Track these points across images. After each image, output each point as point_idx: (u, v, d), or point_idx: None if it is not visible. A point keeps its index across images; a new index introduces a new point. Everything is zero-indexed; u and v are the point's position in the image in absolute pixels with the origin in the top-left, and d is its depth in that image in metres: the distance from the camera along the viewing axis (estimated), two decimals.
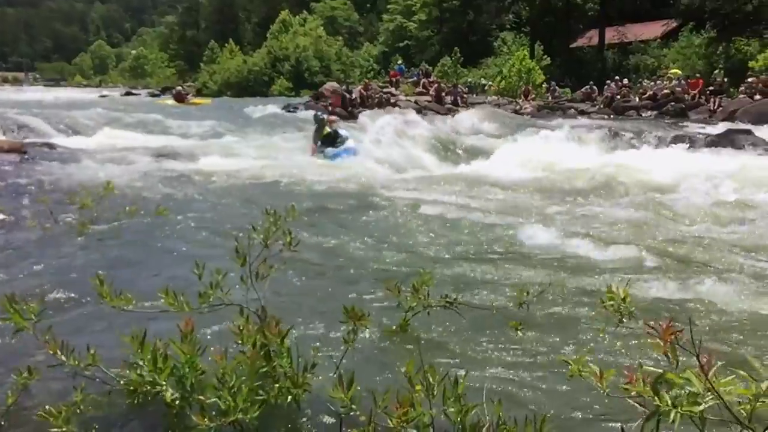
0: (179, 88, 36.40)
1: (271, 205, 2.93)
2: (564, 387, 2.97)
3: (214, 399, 2.09)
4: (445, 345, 3.47)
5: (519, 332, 3.31)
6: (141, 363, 2.27)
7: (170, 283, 2.74)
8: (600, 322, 3.66)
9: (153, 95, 49.94)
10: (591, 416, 2.70)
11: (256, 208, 6.63)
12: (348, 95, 26.03)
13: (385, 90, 29.41)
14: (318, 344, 2.99)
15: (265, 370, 2.26)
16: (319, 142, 13.33)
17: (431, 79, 32.57)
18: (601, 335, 3.53)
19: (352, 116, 23.67)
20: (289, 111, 25.83)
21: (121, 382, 2.35)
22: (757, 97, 23.80)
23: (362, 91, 26.62)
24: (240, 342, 2.32)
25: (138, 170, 9.77)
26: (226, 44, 63.27)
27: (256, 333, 2.28)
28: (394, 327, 3.47)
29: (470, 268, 5.11)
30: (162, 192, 8.31)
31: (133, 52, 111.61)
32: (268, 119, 21.17)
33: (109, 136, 15.14)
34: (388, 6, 57.14)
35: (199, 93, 44.59)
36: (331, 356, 2.88)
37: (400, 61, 41.22)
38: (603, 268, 5.19)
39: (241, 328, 2.33)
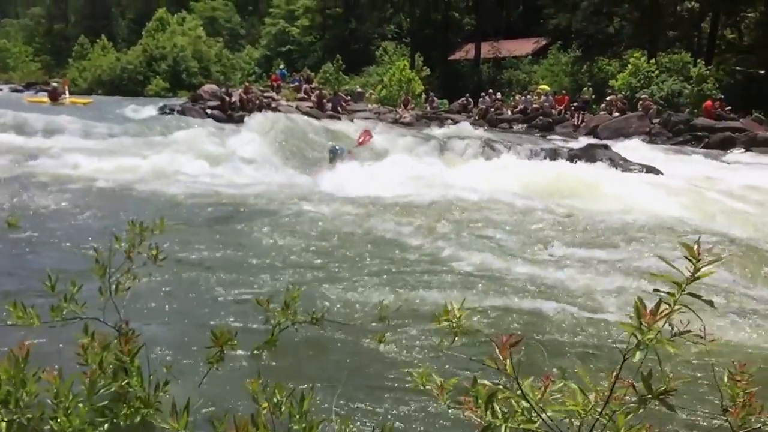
0: (55, 84, 33.16)
1: (140, 215, 2.87)
2: (411, 399, 3.09)
3: (50, 421, 2.00)
4: (308, 360, 3.52)
5: (379, 345, 3.41)
6: None
7: (24, 297, 2.61)
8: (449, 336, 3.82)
9: (15, 91, 46.53)
10: (433, 428, 2.83)
11: (127, 217, 6.39)
12: (228, 98, 25.52)
13: (266, 94, 29.04)
14: (184, 361, 2.95)
15: (112, 389, 2.18)
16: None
17: (313, 85, 32.54)
18: (448, 350, 3.69)
19: (231, 120, 23.24)
20: (165, 112, 24.95)
21: None
22: (616, 113, 25.63)
23: (242, 94, 26.17)
24: (85, 361, 2.22)
25: None
26: (98, 40, 60.18)
27: (103, 350, 2.20)
28: (261, 343, 3.48)
29: (341, 284, 5.19)
30: (25, 200, 7.82)
31: None
32: (147, 121, 20.30)
33: None
34: (271, 10, 56.51)
35: (63, 89, 42.05)
36: (195, 374, 2.84)
37: (282, 66, 40.87)
38: (465, 281, 5.40)
39: (86, 344, 2.23)
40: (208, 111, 24.14)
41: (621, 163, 13.07)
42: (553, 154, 14.62)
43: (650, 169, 12.69)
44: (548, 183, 9.90)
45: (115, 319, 2.57)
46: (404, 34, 46.98)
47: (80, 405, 2.01)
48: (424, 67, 37.34)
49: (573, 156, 14.44)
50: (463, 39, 45.04)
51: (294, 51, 51.37)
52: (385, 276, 5.52)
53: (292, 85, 32.79)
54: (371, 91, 34.44)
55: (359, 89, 34.51)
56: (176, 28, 54.89)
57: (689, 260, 1.71)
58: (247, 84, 28.94)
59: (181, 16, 58.38)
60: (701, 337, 1.76)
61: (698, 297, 1.69)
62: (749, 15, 35.57)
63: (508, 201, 8.79)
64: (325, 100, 27.95)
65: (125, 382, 2.23)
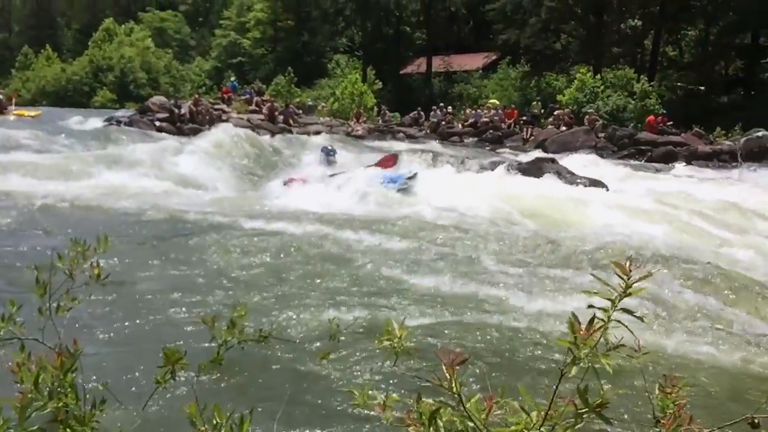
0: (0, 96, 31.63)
1: (85, 233, 2.81)
2: (354, 419, 3.09)
3: None
4: (254, 380, 3.50)
5: (326, 364, 3.40)
6: None
7: None
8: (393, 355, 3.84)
9: None
10: None
11: (71, 235, 6.23)
12: (177, 110, 25.17)
13: (216, 106, 28.77)
14: (126, 382, 2.89)
15: (47, 410, 2.12)
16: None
17: (264, 98, 32.38)
18: (392, 369, 3.71)
19: (181, 132, 22.91)
20: (112, 124, 24.43)
21: None
22: (563, 128, 26.22)
23: (192, 106, 25.84)
24: (20, 380, 2.15)
25: None
26: (43, 50, 58.76)
27: (39, 370, 2.14)
28: (206, 362, 3.43)
29: (292, 302, 5.16)
30: None
31: None
32: (92, 133, 19.77)
33: None
34: (222, 21, 56.11)
35: (9, 101, 40.82)
36: (138, 395, 2.79)
37: (233, 78, 40.54)
38: (414, 299, 5.42)
39: (20, 363, 2.16)
40: (157, 123, 23.73)
41: (567, 177, 13.34)
42: (502, 168, 14.84)
43: (595, 183, 12.99)
44: (499, 198, 10.02)
45: (56, 340, 2.50)
46: (356, 47, 47.25)
47: (11, 431, 1.95)
48: (377, 81, 37.58)
49: (521, 169, 14.68)
50: (415, 53, 45.53)
51: (245, 63, 51.12)
52: (338, 294, 5.52)
53: (243, 97, 32.55)
54: (323, 104, 34.46)
55: (310, 102, 34.49)
56: (124, 39, 54.05)
57: (620, 277, 1.77)
58: (197, 96, 28.59)
59: (128, 26, 57.54)
60: (635, 350, 1.83)
61: (630, 312, 1.75)
62: (689, 33, 36.94)
63: (457, 216, 8.87)
64: (276, 113, 27.84)
65: (62, 403, 2.17)
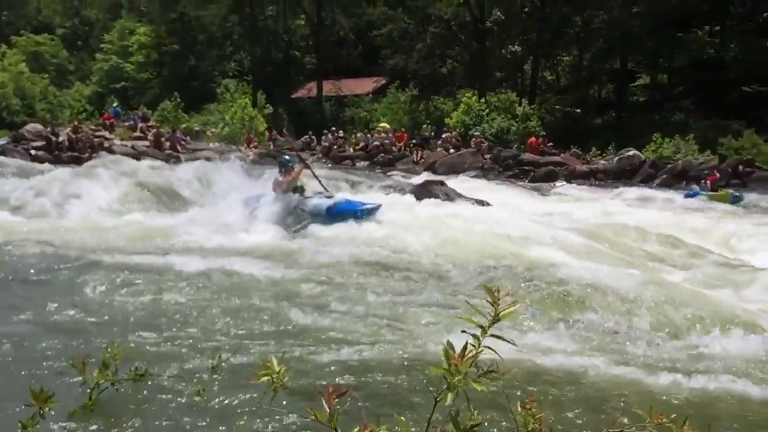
0: None
1: None
2: None
3: None
4: (128, 422, 3.33)
5: (205, 400, 3.30)
6: None
7: None
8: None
9: None
10: None
11: None
12: (54, 138, 23.90)
13: (97, 133, 27.57)
14: None
15: None
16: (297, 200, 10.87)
17: (150, 124, 31.41)
18: (274, 403, 3.65)
19: (59, 161, 21.75)
20: None
21: None
22: (452, 150, 27.02)
23: (71, 133, 24.62)
24: None
25: None
26: None
27: None
28: (79, 407, 3.24)
29: (175, 337, 4.98)
30: None
31: None
32: None
33: None
34: (102, 45, 53.93)
35: None
36: None
37: (115, 104, 39.06)
38: (300, 332, 5.35)
39: None
40: (33, 152, 22.44)
41: (455, 198, 13.74)
42: (393, 190, 15.07)
43: (481, 203, 13.46)
44: (389, 222, 10.08)
45: None
46: (246, 71, 46.71)
47: None
48: (267, 105, 37.32)
49: (412, 192, 14.97)
50: (306, 77, 45.54)
51: (129, 88, 49.32)
52: (223, 329, 5.38)
53: (126, 123, 31.45)
54: (213, 129, 33.78)
55: (197, 127, 33.73)
56: None
57: (491, 304, 1.85)
58: (76, 123, 27.30)
59: (0, 50, 54.20)
60: (503, 373, 1.91)
61: (500, 338, 1.82)
62: (564, 59, 39.17)
63: (349, 244, 8.83)
64: (163, 139, 27.05)
65: None
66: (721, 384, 4.71)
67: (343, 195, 11.52)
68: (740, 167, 22.32)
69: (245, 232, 10.03)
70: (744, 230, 12.12)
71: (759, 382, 4.79)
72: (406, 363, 4.44)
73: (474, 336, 1.83)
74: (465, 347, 1.79)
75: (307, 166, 12.04)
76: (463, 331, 1.85)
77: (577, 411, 4.00)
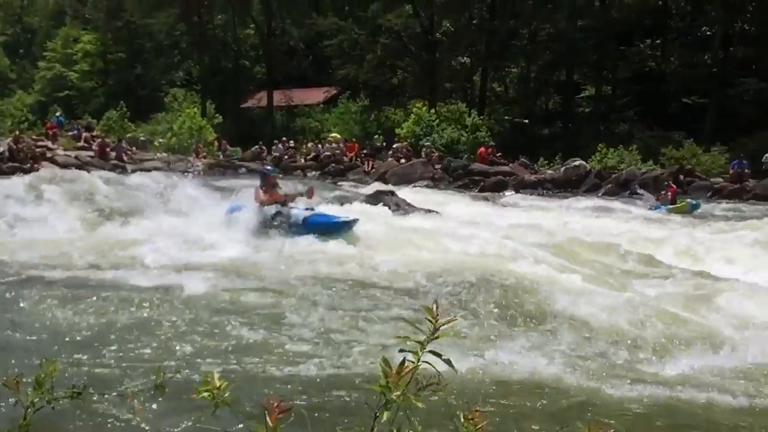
0: None
1: None
2: None
3: None
4: None
5: (146, 417, 3.23)
6: None
7: None
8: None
9: None
10: None
11: None
12: None
13: (39, 143, 26.79)
14: None
15: None
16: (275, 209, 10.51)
17: (94, 133, 30.71)
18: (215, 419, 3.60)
19: (1, 172, 21.05)
20: None
21: None
22: (403, 160, 27.18)
23: (11, 143, 23.87)
24: None
25: None
26: None
27: None
28: (13, 427, 3.12)
29: (112, 352, 4.86)
30: None
31: None
32: None
33: None
34: (46, 53, 52.48)
35: None
36: None
37: (59, 113, 38.01)
38: (246, 347, 5.28)
39: None
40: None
41: (405, 208, 13.83)
42: (344, 201, 15.06)
43: (431, 213, 13.58)
44: (359, 236, 9.95)
45: None
46: (194, 80, 46.06)
47: None
48: (217, 115, 36.86)
49: (363, 201, 14.99)
50: (256, 87, 45.16)
51: (73, 97, 48.05)
52: (171, 345, 5.27)
53: (70, 133, 30.63)
54: (160, 139, 33.17)
55: (142, 137, 33.06)
56: None
57: (429, 321, 1.86)
58: (17, 132, 26.47)
59: None
60: (444, 386, 1.92)
61: (438, 355, 1.84)
62: (513, 70, 39.88)
63: (311, 257, 8.71)
64: (108, 149, 26.47)
65: None
66: (676, 393, 4.76)
67: (324, 208, 11.37)
68: (681, 177, 23.04)
69: (208, 245, 9.71)
70: (703, 240, 12.21)
71: (723, 392, 4.83)
72: (355, 379, 4.41)
73: (413, 352, 1.84)
74: (402, 363, 1.80)
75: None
76: (401, 350, 1.86)
77: (528, 423, 4.04)
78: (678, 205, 18.21)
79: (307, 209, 10.64)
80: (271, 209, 10.57)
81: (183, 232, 10.52)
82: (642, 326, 6.30)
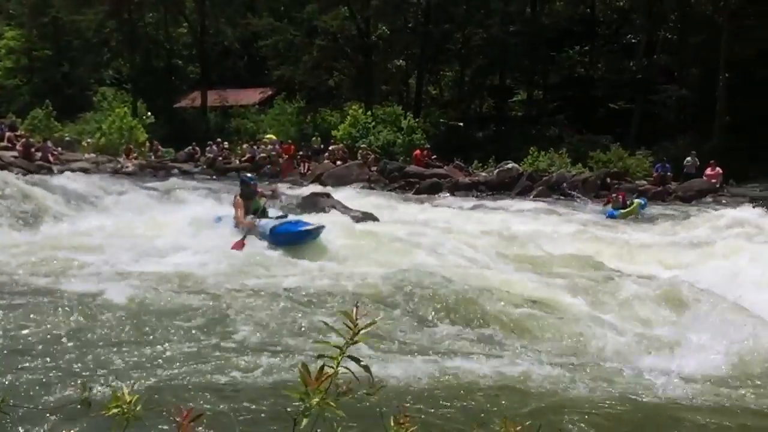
0: None
1: None
2: None
3: None
4: None
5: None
6: None
7: None
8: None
9: None
10: None
11: None
12: None
13: None
14: None
15: None
16: (253, 217, 10.08)
17: (18, 133, 29.50)
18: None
19: None
20: None
21: None
22: (339, 162, 27.17)
23: None
24: None
25: None
26: None
27: None
28: None
29: (37, 365, 4.71)
30: None
31: None
32: None
33: None
34: None
35: None
36: None
37: None
38: (170, 358, 5.18)
39: None
40: None
41: (341, 210, 13.81)
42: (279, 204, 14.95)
43: (367, 216, 13.61)
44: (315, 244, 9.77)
45: None
46: (125, 79, 44.81)
47: None
48: (149, 115, 35.98)
49: (299, 204, 14.93)
50: (189, 87, 44.29)
51: None
52: (100, 357, 5.12)
53: None
54: (89, 139, 32.14)
55: (68, 138, 31.97)
56: None
57: (348, 327, 1.90)
58: None
59: None
60: (372, 388, 1.96)
61: (357, 360, 1.88)
62: (448, 74, 40.43)
63: (265, 265, 8.54)
64: (33, 149, 25.50)
65: None
66: (618, 392, 4.83)
67: (295, 216, 11.07)
68: (608, 179, 23.86)
69: (153, 251, 9.32)
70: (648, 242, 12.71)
71: (680, 393, 4.85)
72: (280, 387, 4.38)
73: (332, 357, 1.87)
74: (321, 369, 1.83)
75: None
76: (320, 356, 1.89)
77: (458, 426, 4.09)
78: (630, 208, 18.21)
79: (278, 218, 10.36)
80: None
81: (121, 236, 10.23)
82: (590, 329, 6.34)
